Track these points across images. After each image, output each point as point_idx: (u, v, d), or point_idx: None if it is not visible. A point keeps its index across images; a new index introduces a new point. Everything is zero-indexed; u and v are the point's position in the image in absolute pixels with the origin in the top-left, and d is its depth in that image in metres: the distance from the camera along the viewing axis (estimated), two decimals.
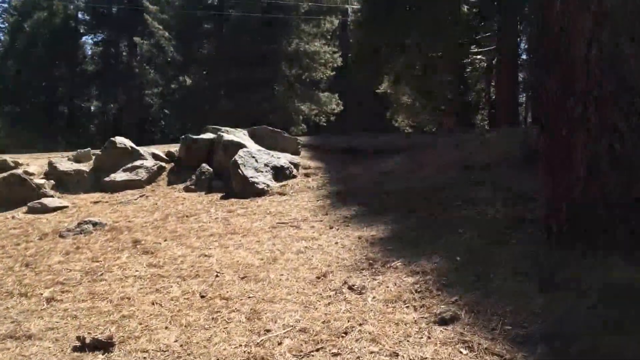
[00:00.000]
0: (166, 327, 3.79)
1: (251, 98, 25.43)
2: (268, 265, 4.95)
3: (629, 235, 3.93)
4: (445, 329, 3.48)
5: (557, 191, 4.08)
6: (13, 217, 7.62)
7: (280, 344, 3.47)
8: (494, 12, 18.87)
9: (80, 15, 38.41)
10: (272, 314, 3.89)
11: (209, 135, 10.26)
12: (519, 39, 22.42)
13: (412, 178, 8.20)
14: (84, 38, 39.66)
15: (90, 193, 8.84)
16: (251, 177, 8.19)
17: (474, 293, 3.90)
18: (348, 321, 3.68)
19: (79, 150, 10.73)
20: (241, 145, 9.29)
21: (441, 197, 6.81)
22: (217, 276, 4.76)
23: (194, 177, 8.87)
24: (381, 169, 9.19)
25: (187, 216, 7.00)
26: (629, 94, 3.81)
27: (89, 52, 40.37)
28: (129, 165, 9.46)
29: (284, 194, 7.88)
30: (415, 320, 3.63)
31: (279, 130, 11.15)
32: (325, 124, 28.45)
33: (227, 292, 4.37)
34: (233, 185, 8.33)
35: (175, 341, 3.58)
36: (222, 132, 10.30)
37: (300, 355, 3.29)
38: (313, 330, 3.59)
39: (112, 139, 10.35)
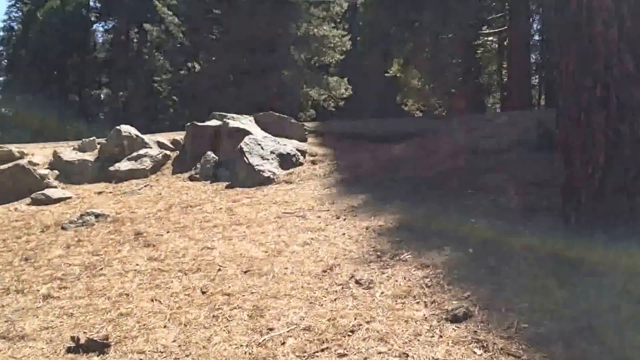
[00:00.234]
0: (165, 326, 3.63)
1: (260, 84, 25.16)
2: (272, 258, 4.77)
3: None
4: (458, 327, 3.30)
5: (576, 177, 3.84)
6: (16, 209, 7.50)
7: (283, 343, 3.30)
8: None
9: (91, 3, 38.52)
10: (275, 310, 3.71)
11: (214, 123, 10.06)
12: (531, 19, 21.99)
13: (422, 164, 7.97)
14: (94, 26, 39.75)
15: (95, 183, 8.70)
16: (257, 165, 8.00)
17: (488, 288, 3.70)
18: (355, 318, 3.50)
19: (83, 139, 10.59)
20: (247, 132, 9.09)
21: (452, 184, 6.60)
22: (219, 270, 4.59)
23: (199, 165, 8.69)
24: (390, 155, 8.97)
25: (190, 206, 6.83)
26: None
27: (100, 40, 40.44)
28: (134, 154, 9.30)
29: (290, 182, 7.69)
30: (426, 318, 3.44)
31: (285, 116, 10.93)
32: (333, 109, 28.13)
33: (229, 287, 4.20)
34: (238, 173, 8.15)
35: (174, 341, 3.43)
36: (228, 119, 10.10)
37: (305, 356, 3.13)
38: (318, 329, 3.41)
39: (117, 127, 10.19)
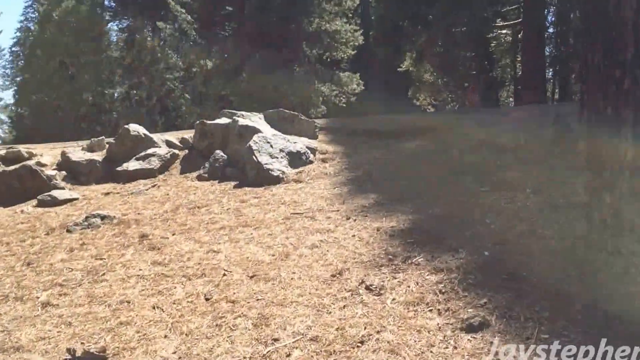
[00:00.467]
0: (165, 336, 3.47)
1: (272, 80, 25.03)
2: (280, 261, 4.59)
3: None
4: (474, 337, 3.11)
5: (601, 176, 3.60)
6: (22, 211, 7.39)
7: (288, 355, 3.14)
8: None
9: (106, 2, 38.74)
10: (281, 319, 3.54)
11: (223, 121, 9.88)
12: (546, 11, 21.59)
13: (435, 161, 7.75)
14: (109, 25, 39.91)
15: (102, 184, 8.56)
16: (266, 164, 7.81)
17: (505, 294, 3.49)
18: (365, 328, 3.32)
19: (92, 139, 10.47)
20: (256, 130, 8.90)
21: (466, 182, 6.37)
22: (224, 275, 4.42)
23: (207, 164, 8.51)
24: (402, 152, 8.76)
25: (198, 207, 6.67)
26: None
27: (114, 39, 40.60)
28: (142, 154, 9.14)
29: (300, 181, 7.49)
30: (440, 327, 3.26)
31: (295, 113, 10.71)
32: (345, 105, 27.91)
33: (234, 293, 4.03)
34: (247, 172, 7.97)
35: (174, 352, 3.27)
36: (238, 116, 9.91)
37: None
38: (326, 339, 3.24)
39: (125, 126, 10.03)
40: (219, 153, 8.68)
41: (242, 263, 4.65)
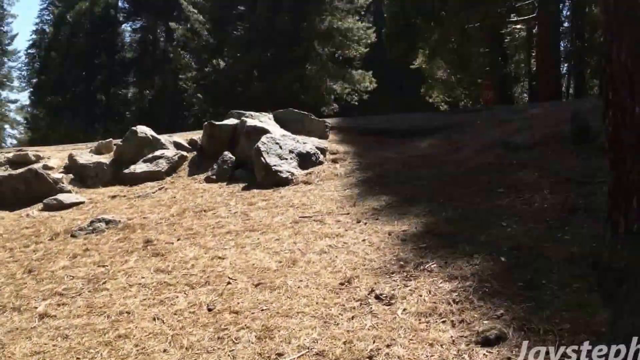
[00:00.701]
0: (164, 350, 3.30)
1: (283, 79, 24.91)
2: (286, 268, 4.41)
3: None
4: (490, 352, 2.90)
5: (627, 179, 3.35)
6: (27, 215, 7.29)
7: None
8: None
9: (120, 4, 38.98)
10: (286, 331, 3.35)
11: (232, 121, 9.73)
12: (560, 5, 21.19)
13: (449, 162, 7.53)
14: (123, 26, 40.17)
15: (109, 187, 8.45)
16: (274, 166, 7.65)
17: (523, 305, 3.28)
18: (374, 341, 3.12)
19: (100, 141, 10.38)
20: (265, 131, 8.73)
21: (481, 183, 6.15)
22: (229, 283, 4.25)
23: (215, 166, 8.37)
24: (415, 152, 8.54)
25: (204, 211, 6.51)
26: None
27: (128, 40, 40.83)
28: (150, 156, 9.02)
29: (309, 183, 7.31)
30: (453, 340, 3.05)
31: (305, 112, 10.54)
32: (357, 104, 27.68)
33: (238, 303, 3.85)
34: (255, 174, 7.81)
35: None
36: (246, 116, 9.76)
37: None
38: (332, 354, 3.05)
39: (133, 128, 9.92)
40: (227, 154, 8.53)
41: (248, 270, 4.47)
